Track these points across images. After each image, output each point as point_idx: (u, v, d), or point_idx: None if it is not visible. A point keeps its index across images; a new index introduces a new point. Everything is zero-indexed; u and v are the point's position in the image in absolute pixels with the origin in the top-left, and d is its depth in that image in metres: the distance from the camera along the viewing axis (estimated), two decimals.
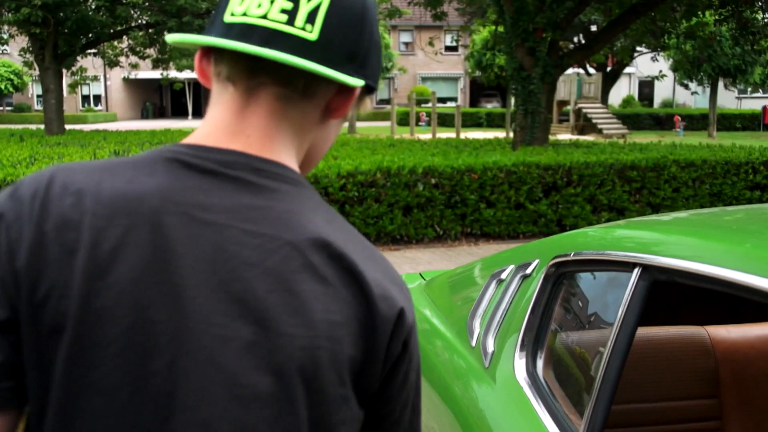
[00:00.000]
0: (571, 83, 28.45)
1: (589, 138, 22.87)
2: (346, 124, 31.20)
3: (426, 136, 22.88)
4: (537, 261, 1.97)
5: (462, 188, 9.87)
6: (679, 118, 33.35)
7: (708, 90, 31.89)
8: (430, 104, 38.68)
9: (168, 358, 0.82)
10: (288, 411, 0.84)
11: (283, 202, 0.88)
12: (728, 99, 40.51)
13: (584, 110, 29.70)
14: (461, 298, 2.46)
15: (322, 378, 0.85)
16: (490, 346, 2.00)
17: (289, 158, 0.95)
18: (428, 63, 50.77)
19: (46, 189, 0.85)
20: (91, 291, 0.81)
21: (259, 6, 0.88)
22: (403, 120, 34.49)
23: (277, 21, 0.88)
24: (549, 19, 12.54)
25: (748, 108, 40.00)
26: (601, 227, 1.97)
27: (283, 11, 0.88)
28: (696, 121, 35.06)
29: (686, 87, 31.24)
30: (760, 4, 13.53)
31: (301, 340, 0.84)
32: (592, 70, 29.33)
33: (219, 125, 0.93)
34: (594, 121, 29.23)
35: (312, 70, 0.87)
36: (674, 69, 29.16)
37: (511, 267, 2.12)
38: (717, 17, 14.15)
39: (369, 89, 0.98)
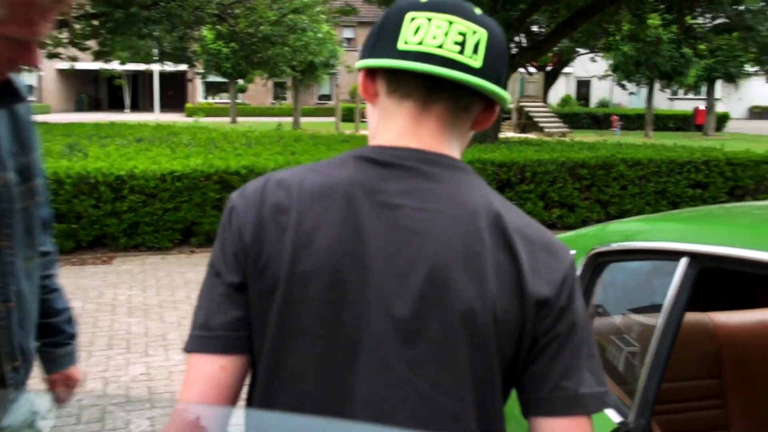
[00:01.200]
0: (514, 82, 28.95)
1: (531, 136, 23.34)
2: (290, 119, 30.98)
3: (367, 132, 22.99)
4: (574, 252, 2.12)
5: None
6: (617, 118, 34.24)
7: (643, 91, 32.83)
8: None
9: (355, 311, 1.05)
10: (450, 353, 1.04)
11: (447, 183, 1.09)
12: (661, 100, 41.76)
13: (526, 109, 30.25)
14: None
15: (482, 327, 1.04)
16: None
17: (455, 153, 1.16)
18: None
19: (263, 186, 1.12)
20: (297, 258, 1.06)
21: (434, 38, 1.08)
22: (346, 116, 34.56)
23: (451, 51, 1.08)
24: (503, 19, 12.81)
25: (680, 109, 41.31)
26: (633, 220, 2.13)
27: (456, 43, 1.08)
28: (632, 121, 36.04)
29: (624, 87, 32.09)
30: (700, 10, 14.05)
31: (463, 294, 1.03)
32: (533, 70, 29.87)
33: (398, 131, 1.13)
34: (535, 119, 29.80)
35: (487, 87, 1.09)
36: (614, 69, 29.94)
37: None
38: (661, 21, 14.65)
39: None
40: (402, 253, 1.05)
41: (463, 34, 1.08)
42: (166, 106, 46.01)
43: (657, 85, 31.01)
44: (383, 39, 1.12)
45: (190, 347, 1.12)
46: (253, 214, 1.09)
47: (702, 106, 34.99)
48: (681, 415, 2.35)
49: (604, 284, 2.01)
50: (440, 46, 1.08)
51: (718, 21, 14.54)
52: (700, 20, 15.04)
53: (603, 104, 45.82)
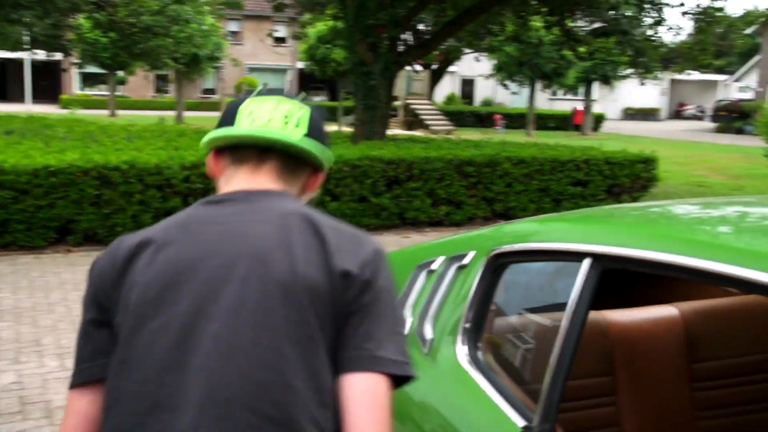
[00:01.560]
0: (401, 80, 29.18)
1: (417, 133, 23.60)
2: (173, 113, 30.14)
3: None
4: (473, 252, 2.08)
5: None
6: (500, 116, 35.11)
7: (524, 90, 33.81)
8: None
9: (189, 301, 1.27)
10: (268, 317, 1.24)
11: (266, 202, 1.36)
12: (542, 100, 43.12)
13: (412, 106, 30.57)
14: None
15: (297, 294, 1.25)
16: (428, 334, 2.09)
17: (279, 189, 1.41)
18: (256, 54, 50.19)
19: (118, 240, 1.40)
20: (143, 276, 1.32)
21: (264, 116, 1.41)
22: None
23: (278, 125, 1.41)
24: (390, 16, 12.83)
25: (560, 109, 42.80)
26: (531, 221, 2.11)
27: (284, 117, 1.41)
28: (514, 120, 37.01)
29: (506, 87, 32.92)
30: (579, 14, 14.53)
31: (278, 270, 1.26)
32: (419, 68, 30.20)
33: (236, 186, 1.40)
34: (421, 117, 30.17)
35: (302, 147, 1.40)
36: (498, 69, 30.64)
37: (442, 258, 2.22)
38: (543, 24, 15.07)
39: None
40: (228, 250, 1.28)
41: (287, 115, 1.42)
42: (38, 97, 43.74)
43: (538, 86, 31.96)
44: (223, 125, 1.43)
45: (69, 385, 1.33)
46: (110, 258, 1.33)
47: (580, 106, 36.36)
48: (576, 414, 2.36)
49: (506, 285, 1.98)
50: (269, 121, 1.40)
51: (597, 25, 15.10)
52: (579, 23, 15.57)
53: (487, 103, 46.92)
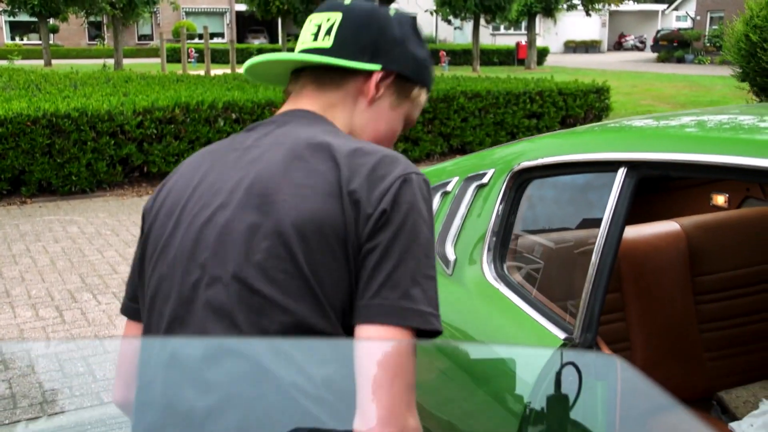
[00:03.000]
0: None
1: None
2: (111, 61, 29.23)
3: (198, 72, 22.05)
4: (492, 170, 2.06)
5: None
6: (444, 53, 34.93)
7: (466, 26, 33.61)
8: (198, 40, 37.32)
9: (186, 226, 1.21)
10: (251, 250, 1.12)
11: (289, 126, 1.26)
12: (484, 36, 42.94)
13: None
14: None
15: (299, 224, 1.10)
16: (451, 255, 2.08)
17: (317, 109, 1.30)
18: None
19: None
20: (160, 204, 1.31)
21: (303, 41, 1.34)
22: (170, 56, 32.94)
23: (306, 42, 1.33)
24: None
25: (503, 44, 42.72)
26: (551, 136, 2.10)
27: (311, 35, 1.33)
28: (458, 56, 36.84)
29: (449, 23, 32.62)
30: None
31: (280, 198, 1.13)
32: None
33: (281, 110, 1.33)
34: None
35: (320, 61, 1.28)
36: (442, 4, 30.33)
37: (456, 179, 2.20)
38: None
39: (404, 77, 1.33)
40: (233, 176, 1.19)
41: (318, 25, 1.33)
42: None
43: (481, 21, 31.79)
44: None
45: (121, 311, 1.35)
46: (153, 194, 1.32)
47: (523, 41, 36.33)
48: None
49: (531, 201, 1.98)
50: (303, 43, 1.34)
51: None
52: None
53: (429, 41, 46.55)
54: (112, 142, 8.76)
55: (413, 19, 1.41)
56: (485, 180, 2.06)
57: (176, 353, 1.17)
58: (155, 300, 1.20)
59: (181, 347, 1.16)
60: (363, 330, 1.07)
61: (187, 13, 48.27)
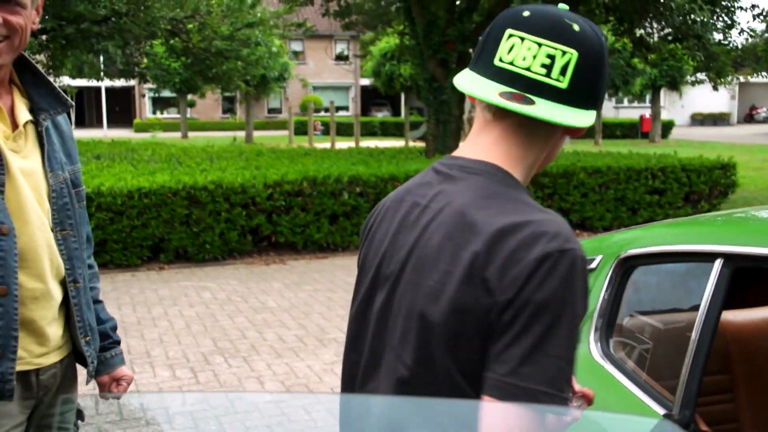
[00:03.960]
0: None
1: None
2: (243, 134, 30.72)
3: (324, 145, 23.01)
4: (600, 256, 2.23)
5: (385, 195, 10.12)
6: None
7: None
8: (324, 113, 38.97)
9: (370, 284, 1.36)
10: (406, 329, 1.25)
11: (457, 186, 1.25)
12: (607, 108, 42.68)
13: None
14: None
15: (438, 308, 1.18)
16: None
17: (499, 160, 1.26)
18: (319, 72, 50.99)
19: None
20: (366, 249, 1.40)
21: (524, 59, 1.21)
22: (297, 129, 34.44)
23: (538, 73, 1.20)
24: (459, 31, 13.02)
25: (626, 117, 42.25)
26: (655, 226, 2.25)
27: (543, 65, 1.20)
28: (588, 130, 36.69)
29: None
30: (649, 21, 14.47)
31: (426, 277, 1.21)
32: None
33: (468, 139, 1.31)
34: None
35: (546, 119, 1.20)
36: None
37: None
38: (612, 33, 15.08)
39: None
40: (408, 240, 1.27)
41: (552, 57, 1.20)
42: (112, 122, 45.37)
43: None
44: (486, 51, 1.26)
45: None
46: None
47: (647, 113, 35.83)
48: (698, 409, 2.46)
49: (635, 286, 2.12)
50: (528, 68, 1.20)
51: (667, 31, 14.99)
52: (648, 29, 15.49)
53: None
54: (244, 213, 9.32)
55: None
56: (593, 265, 2.23)
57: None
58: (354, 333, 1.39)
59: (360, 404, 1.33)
60: (482, 400, 1.13)
61: (315, 88, 50.40)
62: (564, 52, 1.19)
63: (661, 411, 1.81)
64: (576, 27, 1.21)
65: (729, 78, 24.73)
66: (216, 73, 22.20)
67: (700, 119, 51.44)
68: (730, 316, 2.64)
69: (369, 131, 38.62)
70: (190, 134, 35.73)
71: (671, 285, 2.10)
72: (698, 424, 1.76)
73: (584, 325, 2.14)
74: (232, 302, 7.40)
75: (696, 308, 1.78)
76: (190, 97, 36.85)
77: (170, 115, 47.31)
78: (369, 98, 50.72)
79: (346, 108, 50.39)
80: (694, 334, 1.77)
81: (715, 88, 24.26)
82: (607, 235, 2.37)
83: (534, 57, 1.20)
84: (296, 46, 49.49)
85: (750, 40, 21.63)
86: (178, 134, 35.24)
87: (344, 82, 52.01)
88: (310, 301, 7.48)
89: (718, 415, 2.56)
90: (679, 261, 1.95)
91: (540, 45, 1.20)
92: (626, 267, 2.10)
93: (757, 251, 1.72)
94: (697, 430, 1.75)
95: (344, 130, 36.43)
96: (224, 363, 5.60)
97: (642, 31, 15.01)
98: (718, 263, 1.78)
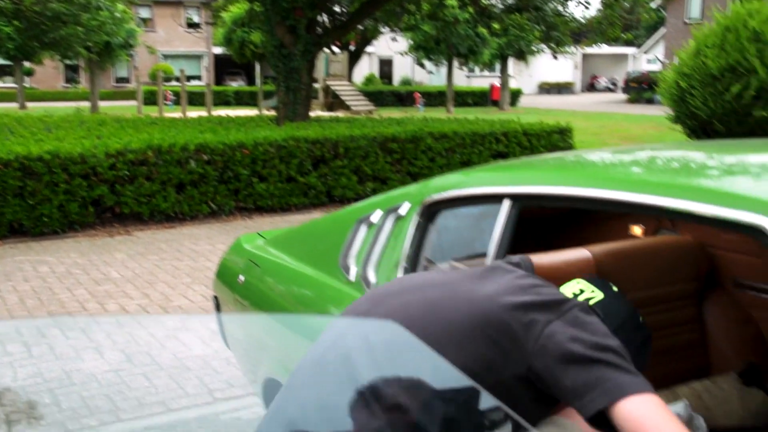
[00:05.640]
0: (320, 62, 29.22)
1: (339, 114, 23.75)
2: (87, 104, 29.31)
3: (175, 115, 22.36)
4: (408, 204, 2.32)
5: (234, 164, 10.03)
6: (419, 95, 35.53)
7: (442, 69, 34.30)
8: (175, 82, 37.78)
9: None
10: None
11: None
12: (459, 77, 43.77)
13: (333, 88, 30.66)
14: (324, 245, 2.75)
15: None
16: (372, 278, 2.33)
17: None
18: (170, 40, 49.29)
19: None
20: None
21: None
22: (147, 99, 33.20)
23: None
24: None
25: (477, 86, 43.53)
26: (458, 173, 2.37)
27: None
28: (433, 98, 37.51)
29: (423, 66, 33.33)
30: None
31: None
32: (336, 49, 30.30)
33: None
34: (342, 98, 30.30)
35: None
36: (415, 49, 31.01)
37: (379, 211, 2.46)
38: (458, 2, 15.45)
39: None
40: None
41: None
42: None
43: (455, 63, 32.48)
44: None
45: None
46: None
47: (497, 82, 37.07)
48: None
49: (438, 229, 2.23)
50: None
51: (510, 1, 15.53)
52: (492, 1, 16.00)
53: (406, 82, 47.30)
54: (85, 184, 8.96)
55: None
56: (402, 211, 2.32)
57: None
58: None
59: None
60: None
61: (165, 56, 48.71)
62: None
63: None
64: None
65: (568, 48, 25.99)
66: (53, 39, 21.05)
67: (546, 88, 53.75)
68: (534, 259, 2.82)
69: (223, 101, 37.80)
70: (29, 105, 33.67)
71: (469, 226, 2.22)
72: None
73: (394, 269, 2.23)
74: (72, 275, 7.12)
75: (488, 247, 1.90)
76: (26, 64, 34.69)
77: (6, 84, 44.37)
78: (223, 67, 49.59)
79: (198, 77, 49.07)
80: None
81: (554, 57, 25.39)
82: (414, 185, 2.48)
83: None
84: (144, 13, 47.59)
85: (586, 12, 22.78)
86: (15, 105, 33.14)
87: (196, 50, 50.59)
88: (155, 270, 7.32)
89: None
90: (475, 204, 2.08)
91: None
92: (430, 212, 2.21)
93: (538, 190, 1.86)
94: None
95: (197, 99, 35.45)
96: (61, 335, 5.41)
97: (486, 1, 15.47)
98: (506, 203, 1.91)
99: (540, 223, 3.46)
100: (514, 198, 1.90)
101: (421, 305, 1.44)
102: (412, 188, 2.44)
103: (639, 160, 2.05)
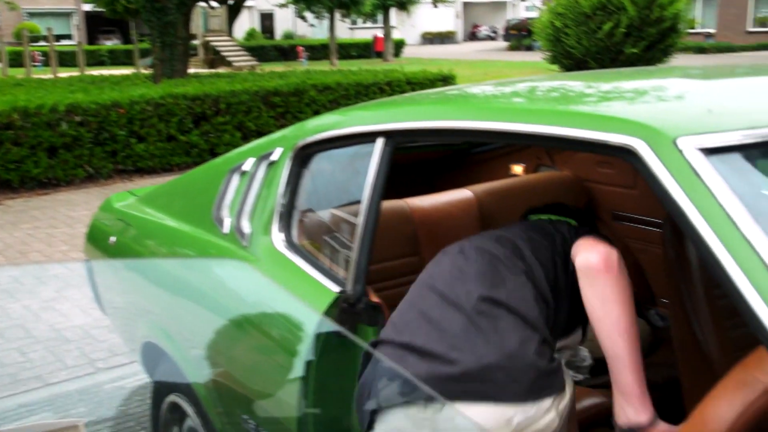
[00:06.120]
0: (197, 17, 28.23)
1: (221, 71, 23.09)
2: None
3: (46, 76, 21.16)
4: (281, 149, 2.21)
5: (110, 124, 9.57)
6: (302, 49, 34.96)
7: (324, 22, 33.83)
8: (43, 42, 35.68)
9: None
10: None
11: None
12: (342, 30, 43.31)
13: (212, 43, 29.75)
14: (196, 198, 2.61)
15: None
16: (246, 228, 2.21)
17: None
18: None
19: None
20: None
21: None
22: (13, 61, 31.22)
23: None
24: None
25: (361, 38, 43.20)
26: (333, 113, 2.27)
27: None
28: (317, 51, 36.98)
29: (304, 19, 32.75)
30: None
31: None
32: (215, 4, 29.29)
33: None
34: (223, 53, 29.45)
35: None
36: (295, 1, 30.39)
37: (252, 159, 2.33)
38: None
39: None
40: None
41: None
42: None
43: (337, 15, 32.07)
44: None
45: None
46: None
47: (380, 34, 36.90)
48: (391, 291, 2.59)
49: (312, 173, 2.14)
50: None
51: None
52: None
53: (288, 36, 46.41)
54: None
55: None
56: (274, 157, 2.21)
57: None
58: None
59: None
60: None
61: (30, 14, 45.96)
62: None
63: (337, 289, 1.86)
64: None
65: None
66: None
67: (429, 38, 53.92)
68: (417, 201, 2.78)
69: (97, 61, 35.98)
70: None
71: (343, 168, 2.15)
72: (369, 296, 1.83)
73: (269, 217, 2.13)
74: None
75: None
76: None
77: None
78: (96, 25, 47.20)
79: (69, 36, 46.58)
80: (362, 210, 1.82)
81: (434, 5, 25.40)
82: (287, 129, 2.37)
83: None
84: None
85: None
86: None
87: (64, 7, 47.94)
88: (28, 239, 6.92)
89: None
90: (349, 144, 1.99)
91: None
92: (302, 156, 2.11)
93: (414, 125, 1.79)
94: (368, 302, 1.82)
95: (68, 60, 33.59)
96: None
97: None
98: (379, 142, 1.84)
99: (424, 167, 3.42)
100: (388, 135, 1.83)
101: None
102: (287, 131, 2.33)
103: (519, 91, 2.02)
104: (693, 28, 30.75)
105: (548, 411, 1.51)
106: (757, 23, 36.29)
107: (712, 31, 36.52)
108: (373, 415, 1.57)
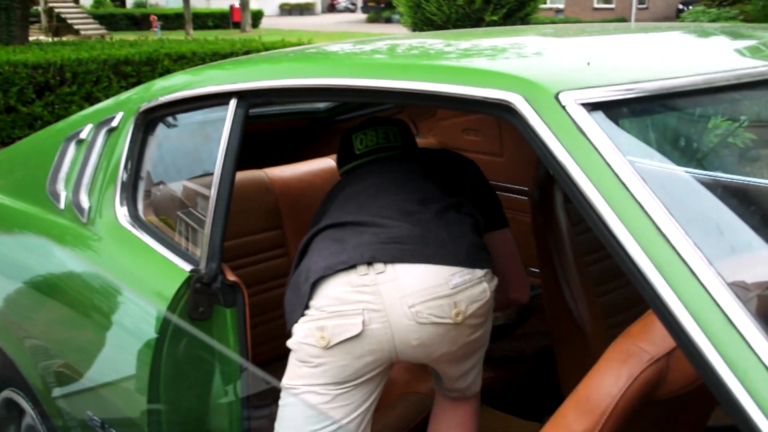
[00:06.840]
0: None
1: (68, 39, 21.75)
2: None
3: None
4: (121, 113, 1.97)
5: None
6: (155, 18, 33.54)
7: None
8: None
9: None
10: None
11: None
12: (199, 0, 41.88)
13: (57, 10, 28.01)
14: (28, 171, 2.33)
15: None
16: (85, 203, 1.97)
17: None
18: None
19: None
20: None
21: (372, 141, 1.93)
22: None
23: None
24: None
25: (217, 7, 41.92)
26: (182, 73, 2.05)
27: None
28: (172, 21, 35.58)
29: None
30: None
31: None
32: None
33: None
34: (69, 21, 27.79)
35: None
36: None
37: (90, 126, 2.08)
38: None
39: None
40: None
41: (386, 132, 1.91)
42: None
43: None
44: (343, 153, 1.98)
45: None
46: None
47: (237, 3, 35.95)
48: (253, 268, 2.43)
49: (158, 140, 1.93)
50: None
51: None
52: None
53: (140, 5, 44.42)
54: None
55: None
56: (114, 123, 1.98)
57: None
58: None
59: None
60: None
61: None
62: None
63: (189, 268, 1.68)
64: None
65: None
66: None
67: (288, 9, 53.07)
68: (277, 172, 2.62)
69: None
70: None
71: (193, 134, 1.96)
72: (226, 275, 1.66)
73: (110, 190, 1.91)
74: None
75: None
76: None
77: None
78: None
79: None
80: (215, 180, 1.64)
81: None
82: (130, 91, 2.14)
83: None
84: None
85: None
86: None
87: None
88: None
89: (275, 270, 2.56)
90: (199, 107, 1.80)
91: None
92: (147, 121, 1.90)
93: (269, 84, 1.62)
94: (225, 281, 1.65)
95: None
96: None
97: None
98: (232, 103, 1.66)
99: (286, 137, 3.25)
100: (242, 96, 1.65)
101: None
102: (131, 92, 2.09)
103: (380, 49, 1.89)
104: (544, 3, 31.93)
105: (481, 280, 1.61)
106: (602, 0, 38.08)
107: (561, 6, 37.98)
108: (313, 289, 1.58)
